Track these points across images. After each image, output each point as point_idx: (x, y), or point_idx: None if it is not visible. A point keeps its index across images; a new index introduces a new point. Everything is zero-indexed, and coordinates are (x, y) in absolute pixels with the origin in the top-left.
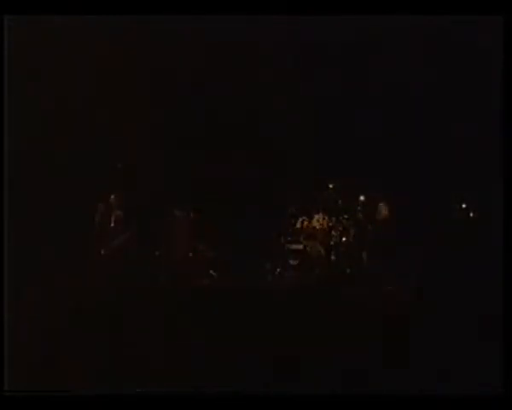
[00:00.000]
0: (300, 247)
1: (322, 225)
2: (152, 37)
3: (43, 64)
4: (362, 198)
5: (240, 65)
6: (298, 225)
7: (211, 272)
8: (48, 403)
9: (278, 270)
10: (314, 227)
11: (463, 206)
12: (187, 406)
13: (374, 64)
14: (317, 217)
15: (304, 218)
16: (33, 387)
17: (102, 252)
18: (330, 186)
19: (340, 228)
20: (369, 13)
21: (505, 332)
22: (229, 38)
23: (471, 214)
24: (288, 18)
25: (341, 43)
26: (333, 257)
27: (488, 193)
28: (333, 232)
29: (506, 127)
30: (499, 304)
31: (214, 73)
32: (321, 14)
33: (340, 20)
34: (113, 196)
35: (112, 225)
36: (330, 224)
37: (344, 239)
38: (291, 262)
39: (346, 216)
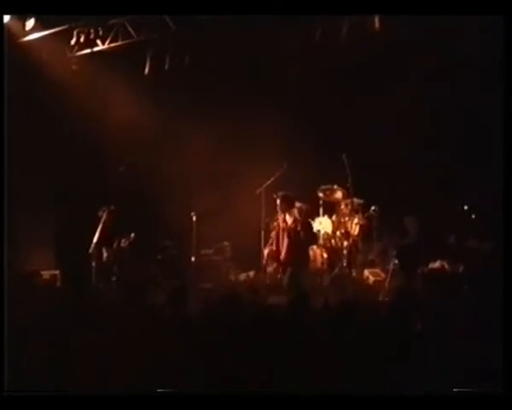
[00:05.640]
0: None
1: (325, 228)
2: None
3: None
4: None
5: None
6: None
7: None
8: (48, 403)
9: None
10: (317, 230)
11: (465, 208)
12: (188, 406)
13: (373, 63)
14: (319, 219)
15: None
16: (33, 387)
17: None
18: (335, 187)
19: (344, 231)
20: (369, 13)
21: (505, 332)
22: None
23: (473, 216)
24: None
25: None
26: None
27: (489, 194)
28: (337, 235)
29: (506, 127)
30: (499, 303)
31: None
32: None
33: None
34: None
35: None
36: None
37: (347, 243)
38: None
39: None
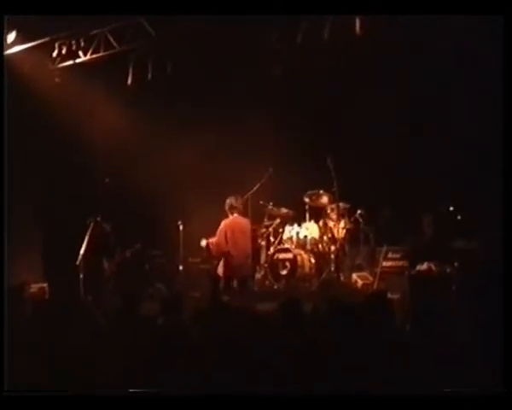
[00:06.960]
0: (290, 256)
1: (312, 233)
2: None
3: None
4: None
5: None
6: (287, 234)
7: None
8: (48, 403)
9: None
10: (304, 236)
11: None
12: (188, 406)
13: (374, 64)
14: (306, 225)
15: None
16: (33, 387)
17: None
18: (321, 192)
19: (330, 235)
20: (370, 13)
21: (505, 332)
22: None
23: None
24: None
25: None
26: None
27: (488, 195)
28: (324, 240)
29: (507, 128)
30: (500, 303)
31: None
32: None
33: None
34: None
35: None
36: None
37: (334, 248)
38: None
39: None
